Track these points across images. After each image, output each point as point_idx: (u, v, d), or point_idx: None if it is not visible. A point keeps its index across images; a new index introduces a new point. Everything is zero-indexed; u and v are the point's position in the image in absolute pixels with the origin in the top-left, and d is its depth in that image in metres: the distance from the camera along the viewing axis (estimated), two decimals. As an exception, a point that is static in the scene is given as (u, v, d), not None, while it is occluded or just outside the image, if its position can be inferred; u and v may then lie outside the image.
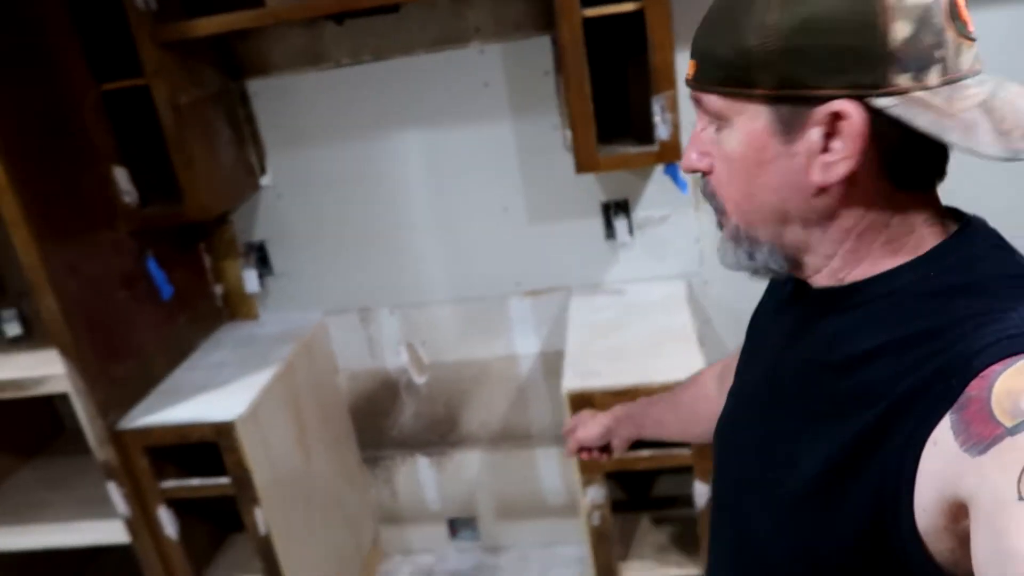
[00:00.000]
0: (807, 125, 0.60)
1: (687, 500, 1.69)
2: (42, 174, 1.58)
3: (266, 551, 1.80)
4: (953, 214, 0.65)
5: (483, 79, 1.89)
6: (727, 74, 0.62)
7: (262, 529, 1.78)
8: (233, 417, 1.69)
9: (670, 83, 1.57)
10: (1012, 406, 0.50)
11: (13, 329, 1.82)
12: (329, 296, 2.15)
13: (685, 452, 1.59)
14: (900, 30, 0.56)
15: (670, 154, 1.62)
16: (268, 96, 1.97)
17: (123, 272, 1.80)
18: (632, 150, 1.65)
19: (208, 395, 1.80)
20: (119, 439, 1.72)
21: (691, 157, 0.69)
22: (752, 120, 0.62)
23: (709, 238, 1.97)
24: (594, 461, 1.21)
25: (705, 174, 0.69)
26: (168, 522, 1.80)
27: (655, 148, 1.62)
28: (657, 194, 1.94)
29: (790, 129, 0.61)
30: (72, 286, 1.63)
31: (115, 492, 1.76)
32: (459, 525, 2.41)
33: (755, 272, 0.70)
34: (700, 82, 0.65)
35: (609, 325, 1.83)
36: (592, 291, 2.03)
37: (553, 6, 1.56)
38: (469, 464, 2.31)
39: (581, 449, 1.18)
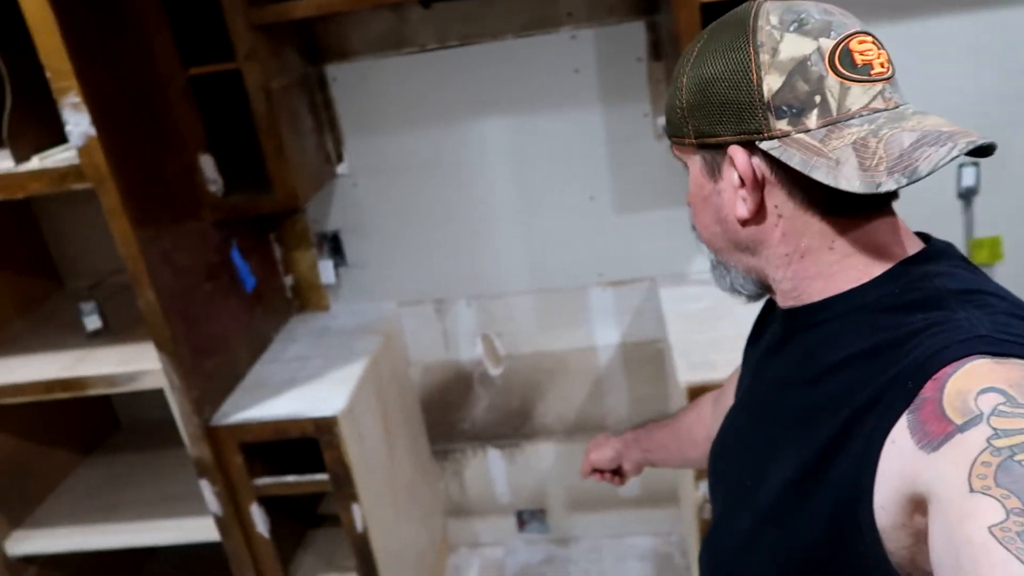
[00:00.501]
0: (723, 167, 0.69)
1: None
2: (136, 162, 1.52)
3: (363, 548, 1.76)
4: (922, 237, 0.71)
5: (574, 65, 1.85)
6: (671, 127, 0.74)
7: (359, 526, 1.74)
8: (335, 412, 1.64)
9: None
10: (962, 405, 0.53)
11: (93, 323, 1.76)
12: (403, 287, 2.11)
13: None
14: (772, 83, 0.63)
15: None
16: (347, 81, 1.91)
17: (209, 263, 1.74)
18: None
19: (298, 390, 1.75)
20: (214, 435, 1.67)
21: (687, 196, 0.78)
22: (693, 164, 0.73)
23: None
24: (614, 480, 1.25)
25: None
26: (260, 520, 1.76)
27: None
28: (747, 182, 1.92)
29: (713, 171, 0.71)
30: (167, 278, 1.58)
31: (208, 489, 1.71)
32: (527, 517, 2.38)
33: (735, 294, 0.77)
34: (666, 133, 0.77)
35: (708, 315, 1.80)
36: (678, 281, 2.00)
37: (668, -11, 1.52)
38: (541, 456, 2.28)
39: (594, 471, 1.24)
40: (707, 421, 1.05)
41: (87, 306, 1.76)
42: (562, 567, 2.30)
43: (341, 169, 2.00)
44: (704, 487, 1.62)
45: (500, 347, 2.16)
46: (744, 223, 0.69)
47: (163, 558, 2.39)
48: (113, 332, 1.80)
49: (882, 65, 0.64)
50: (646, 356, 2.12)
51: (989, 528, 0.47)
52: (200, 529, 1.77)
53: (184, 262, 1.65)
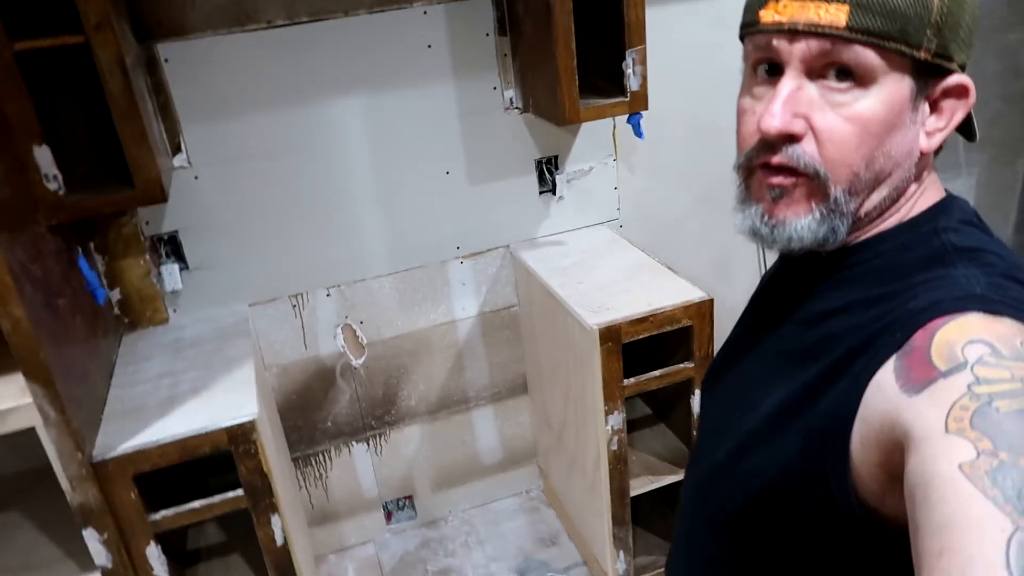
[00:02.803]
0: (931, 95, 0.64)
1: (686, 410, 1.90)
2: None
3: (284, 563, 1.62)
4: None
5: (426, 40, 1.87)
6: (901, 28, 0.60)
7: (279, 539, 1.60)
8: (252, 417, 1.49)
9: (642, 38, 1.73)
10: (948, 353, 0.55)
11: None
12: (254, 286, 1.95)
13: (691, 366, 1.79)
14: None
15: (639, 104, 1.78)
16: (182, 62, 1.72)
17: (55, 275, 1.47)
18: (604, 102, 1.79)
19: (187, 405, 1.55)
20: (101, 472, 1.42)
21: (785, 118, 0.63)
22: (899, 83, 0.62)
23: (625, 184, 2.18)
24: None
25: (793, 140, 0.64)
26: (158, 562, 1.53)
27: (627, 99, 1.77)
28: (583, 148, 2.10)
29: (920, 96, 0.63)
30: (29, 293, 1.31)
31: (94, 539, 1.44)
32: (393, 508, 2.34)
33: (815, 244, 0.67)
34: (858, 32, 0.60)
35: (578, 268, 1.95)
36: (531, 246, 2.13)
37: (540, -36, 1.63)
38: (407, 441, 2.26)
39: None
40: None
41: None
42: (439, 546, 2.31)
43: (178, 161, 1.78)
44: (613, 420, 1.78)
45: (362, 335, 2.10)
46: (917, 159, 0.67)
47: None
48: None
49: None
50: (503, 322, 2.22)
51: (959, 464, 0.49)
52: (82, 590, 1.48)
53: (38, 273, 1.37)
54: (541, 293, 1.96)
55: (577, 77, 1.71)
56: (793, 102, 0.63)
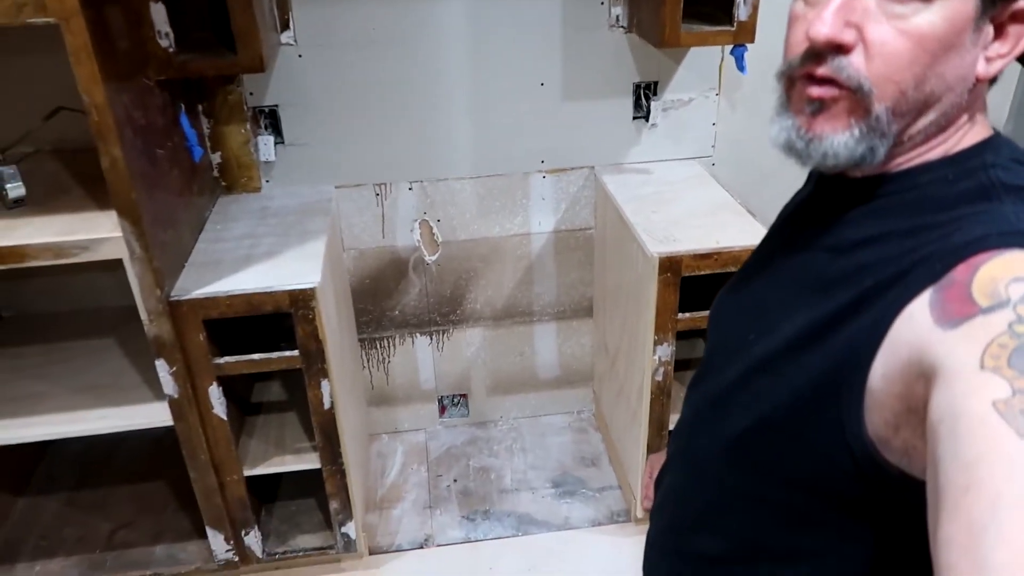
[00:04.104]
0: (996, 17, 0.60)
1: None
2: (98, 2, 1.35)
3: (329, 427, 1.75)
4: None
5: (539, -54, 1.85)
6: None
7: (327, 403, 1.72)
8: (313, 285, 1.59)
9: (757, -35, 1.65)
10: (992, 289, 0.53)
11: (16, 190, 1.55)
12: (343, 169, 2.04)
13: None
14: None
15: (745, 35, 1.71)
16: (299, -60, 1.78)
17: (158, 127, 1.59)
18: (708, 28, 1.73)
19: (260, 266, 1.67)
20: (176, 311, 1.56)
21: (836, 26, 0.60)
22: (963, 1, 0.59)
23: (724, 121, 2.12)
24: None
25: (841, 50, 0.61)
26: (218, 401, 1.68)
27: (732, 28, 1.71)
28: (685, 78, 2.05)
29: (985, 17, 0.60)
30: (130, 136, 1.43)
31: (164, 370, 1.60)
32: (447, 403, 2.45)
33: (846, 163, 0.64)
34: None
35: (657, 199, 1.93)
36: (616, 170, 2.11)
37: None
38: (468, 342, 2.34)
39: None
40: None
41: (7, 171, 1.54)
42: (485, 445, 2.41)
43: (285, 37, 1.87)
44: (661, 351, 1.78)
45: (438, 233, 2.17)
46: (973, 85, 0.63)
47: (60, 454, 2.22)
48: (37, 202, 1.59)
49: None
50: (578, 243, 2.23)
51: (993, 402, 0.47)
52: (153, 414, 1.66)
53: (141, 122, 1.49)
54: (615, 217, 1.95)
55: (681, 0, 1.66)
56: (847, 10, 0.60)
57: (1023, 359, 0.48)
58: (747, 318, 0.79)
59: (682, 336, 1.81)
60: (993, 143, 0.67)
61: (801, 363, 0.66)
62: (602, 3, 1.93)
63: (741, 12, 1.69)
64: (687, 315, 1.74)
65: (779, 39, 0.69)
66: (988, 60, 0.62)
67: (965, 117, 0.66)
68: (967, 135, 0.67)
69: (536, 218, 2.18)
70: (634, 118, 2.08)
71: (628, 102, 2.05)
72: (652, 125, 2.08)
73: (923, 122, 0.64)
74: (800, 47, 0.64)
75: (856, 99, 0.62)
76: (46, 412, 1.69)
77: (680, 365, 1.98)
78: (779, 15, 0.78)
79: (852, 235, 0.68)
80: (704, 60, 2.02)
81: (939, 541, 0.47)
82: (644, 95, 2.05)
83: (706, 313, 1.73)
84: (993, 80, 0.65)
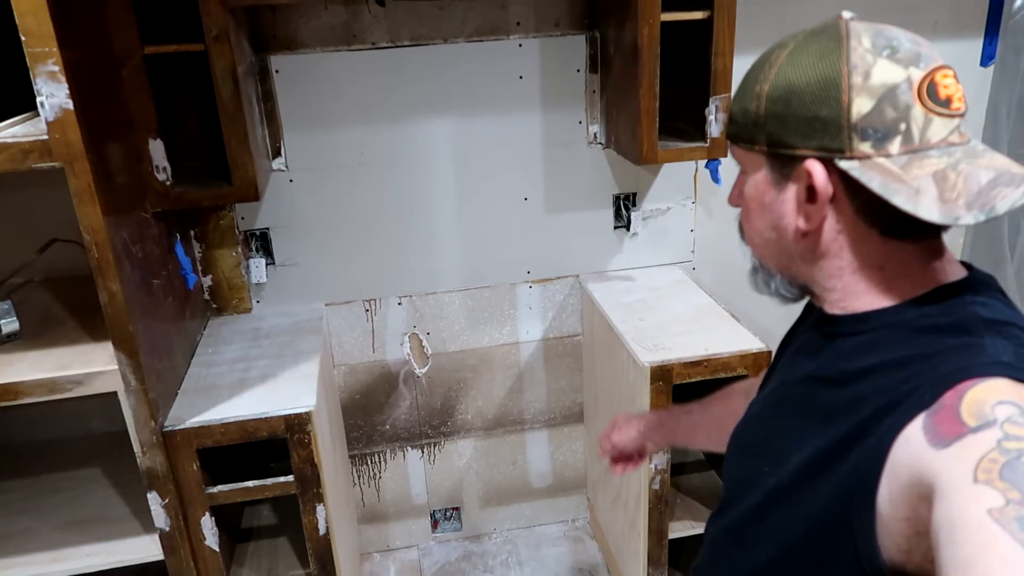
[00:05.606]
0: (792, 178, 0.72)
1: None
2: (102, 142, 1.39)
3: (324, 553, 1.70)
4: (965, 266, 0.75)
5: (519, 71, 1.95)
6: (739, 131, 0.76)
7: (322, 529, 1.68)
8: (309, 409, 1.59)
9: (727, 86, 1.75)
10: (978, 411, 0.58)
11: (10, 325, 1.55)
12: (332, 287, 2.07)
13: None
14: (862, 105, 0.66)
15: (718, 150, 1.80)
16: (291, 73, 1.86)
17: (154, 257, 1.61)
18: (683, 145, 1.81)
19: (254, 390, 1.67)
20: (169, 442, 1.54)
21: (733, 195, 0.83)
22: (757, 170, 0.76)
23: (702, 228, 2.20)
24: (630, 465, 1.28)
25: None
26: (210, 532, 1.64)
27: (706, 144, 1.80)
28: (662, 188, 2.13)
29: (781, 180, 0.73)
30: (128, 270, 1.45)
31: (156, 503, 1.57)
32: (440, 517, 2.40)
33: (774, 296, 0.82)
34: (728, 135, 0.79)
35: (642, 306, 1.97)
36: (601, 278, 2.16)
37: (632, 7, 1.68)
38: (460, 454, 2.32)
39: (616, 456, 1.26)
40: (740, 415, 1.05)
41: (2, 306, 1.54)
42: (480, 560, 2.36)
43: (277, 164, 1.93)
44: (658, 460, 1.78)
45: (427, 346, 2.18)
46: (803, 235, 0.73)
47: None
48: (31, 334, 1.59)
49: (960, 100, 0.67)
50: (566, 349, 2.26)
51: (988, 510, 0.51)
52: (142, 548, 1.61)
53: (138, 255, 1.52)
54: (602, 325, 1.99)
55: (658, 119, 1.75)
56: (739, 184, 0.82)
57: (1014, 472, 0.53)
58: (758, 449, 0.83)
59: (677, 442, 1.81)
60: (973, 281, 0.73)
61: (814, 496, 0.70)
62: (580, 122, 2.02)
63: (714, 130, 1.78)
64: (681, 422, 1.75)
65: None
66: (808, 214, 0.72)
67: (853, 267, 0.74)
68: (922, 283, 0.71)
69: (524, 327, 2.21)
70: (615, 227, 2.15)
71: (609, 213, 2.12)
72: (633, 234, 2.14)
73: (795, 267, 0.78)
74: None
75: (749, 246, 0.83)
76: (31, 551, 1.63)
77: (676, 470, 1.99)
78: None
79: (848, 368, 0.73)
80: (680, 171, 2.12)
81: None
82: (624, 206, 2.13)
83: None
84: (942, 228, 0.70)
